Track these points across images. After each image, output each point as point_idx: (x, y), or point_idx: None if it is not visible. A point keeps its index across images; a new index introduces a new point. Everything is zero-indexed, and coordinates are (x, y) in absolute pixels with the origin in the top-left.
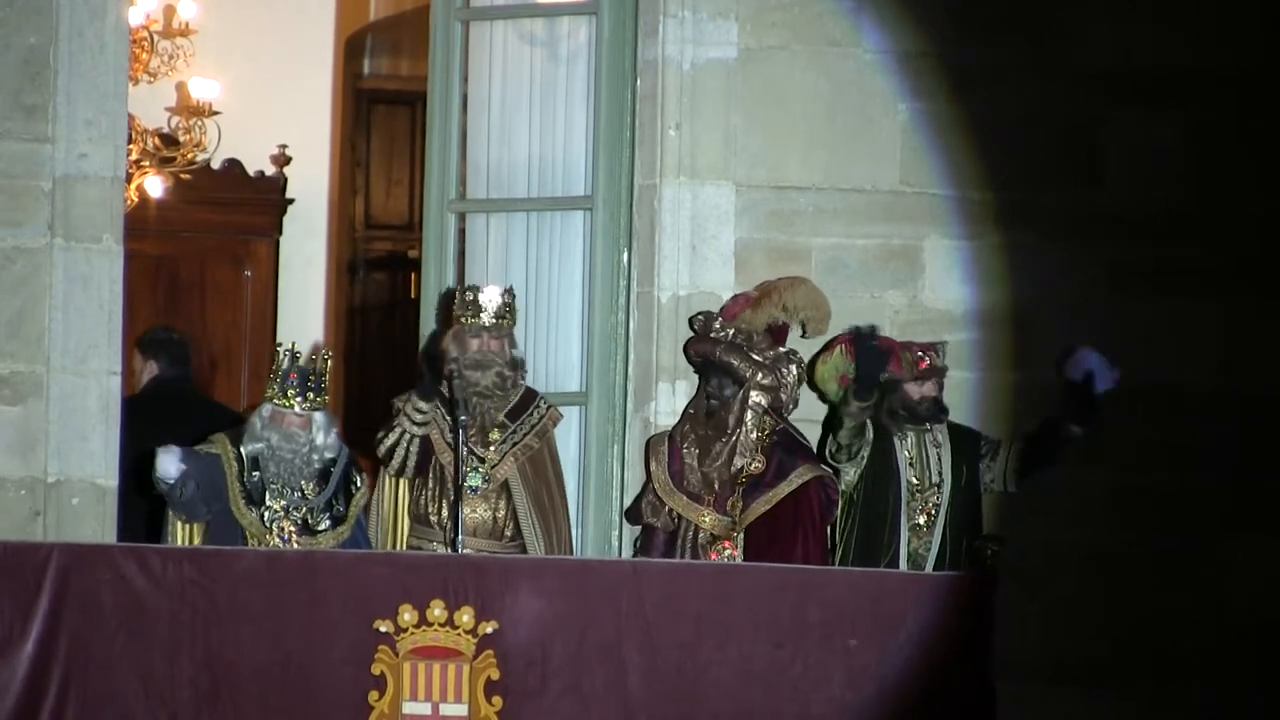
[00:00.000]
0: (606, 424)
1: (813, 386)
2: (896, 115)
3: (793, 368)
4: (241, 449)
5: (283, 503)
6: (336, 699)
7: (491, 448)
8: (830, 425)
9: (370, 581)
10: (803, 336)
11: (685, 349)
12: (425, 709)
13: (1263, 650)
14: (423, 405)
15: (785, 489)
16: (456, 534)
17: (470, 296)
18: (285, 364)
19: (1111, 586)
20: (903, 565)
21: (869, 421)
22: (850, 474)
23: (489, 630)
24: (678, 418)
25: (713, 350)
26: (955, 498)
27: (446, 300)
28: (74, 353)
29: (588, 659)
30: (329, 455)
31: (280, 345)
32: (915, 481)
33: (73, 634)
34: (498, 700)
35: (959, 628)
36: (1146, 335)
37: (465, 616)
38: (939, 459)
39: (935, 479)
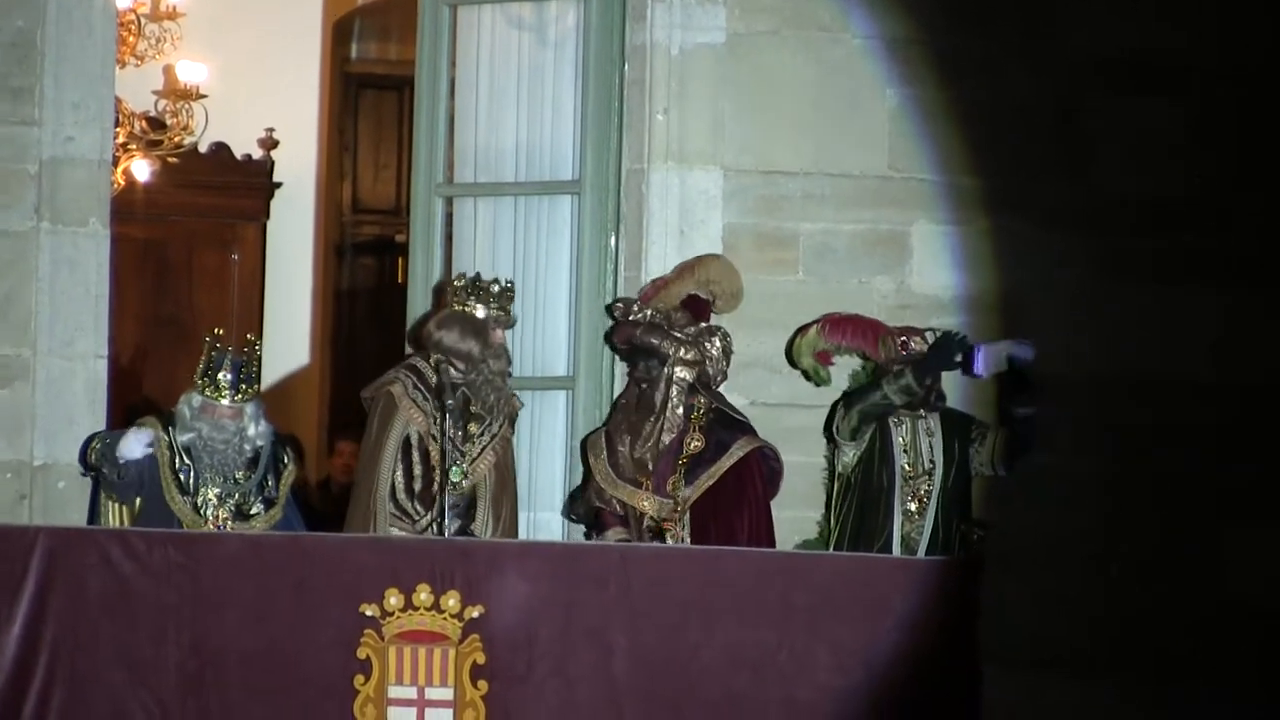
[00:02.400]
0: (594, 408)
1: (792, 365)
2: (885, 101)
3: (716, 340)
4: (173, 437)
5: (216, 491)
6: (322, 683)
7: (471, 440)
8: (848, 398)
9: (356, 566)
10: (714, 310)
11: (607, 338)
12: (411, 693)
13: (1251, 639)
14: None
15: (727, 462)
16: (442, 518)
17: (495, 288)
18: (213, 355)
19: (1098, 574)
20: (896, 550)
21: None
22: (849, 455)
23: (475, 614)
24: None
25: (634, 333)
26: (947, 483)
27: (439, 290)
28: (61, 336)
29: (574, 643)
30: (260, 443)
31: (207, 337)
32: (908, 468)
33: (59, 618)
34: (483, 684)
35: (946, 613)
36: (1134, 323)
37: (451, 601)
38: (931, 446)
39: (927, 465)
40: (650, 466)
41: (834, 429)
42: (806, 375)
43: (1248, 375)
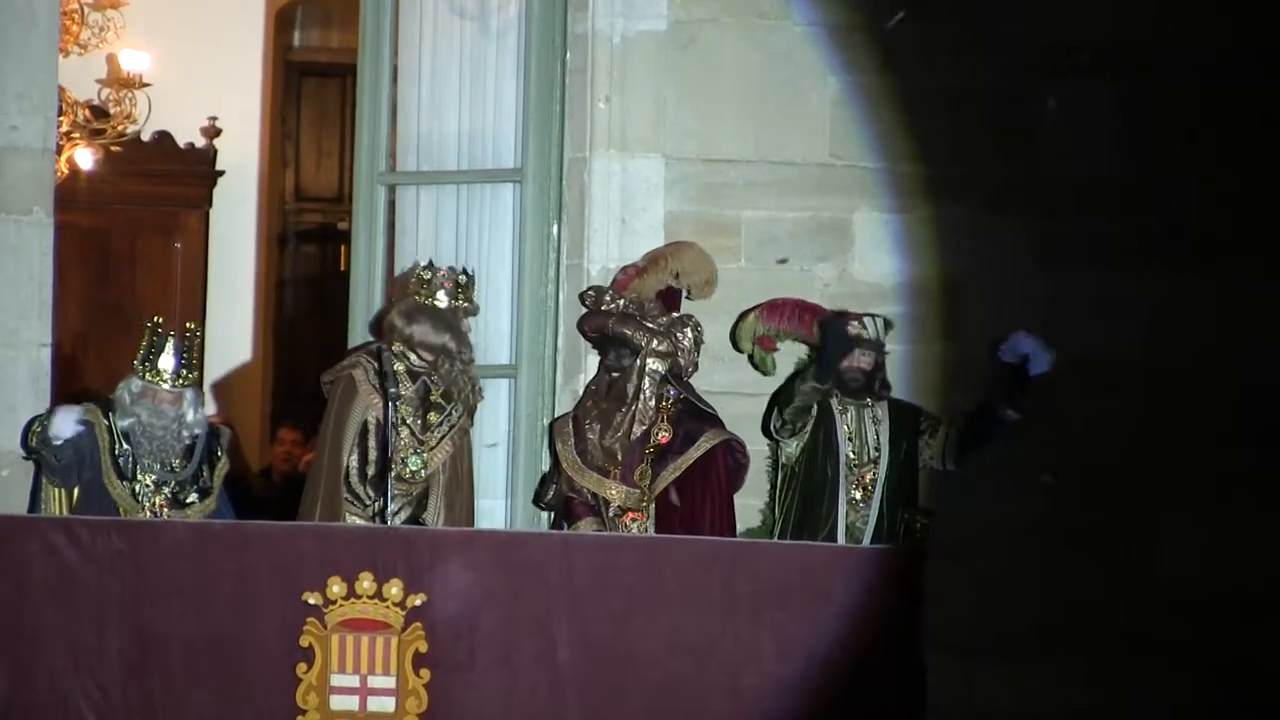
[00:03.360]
0: (536, 396)
1: (737, 350)
2: (826, 88)
3: (688, 331)
4: (113, 422)
5: (153, 478)
6: (265, 671)
7: (430, 430)
8: (776, 399)
9: (299, 554)
10: (687, 298)
11: (579, 325)
12: (353, 681)
13: (1193, 624)
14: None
15: (695, 454)
16: (385, 506)
17: (464, 280)
18: (154, 340)
19: (1041, 560)
20: (840, 538)
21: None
22: (792, 447)
23: (418, 603)
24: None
25: (606, 323)
26: (893, 473)
27: (400, 279)
28: (4, 325)
29: (517, 632)
30: (197, 431)
31: (149, 322)
32: (853, 456)
33: (1, 605)
34: (426, 672)
35: (889, 601)
36: (1075, 308)
37: (394, 589)
38: (877, 434)
39: (872, 454)
40: (620, 456)
41: (772, 427)
42: (752, 361)
43: (1193, 360)
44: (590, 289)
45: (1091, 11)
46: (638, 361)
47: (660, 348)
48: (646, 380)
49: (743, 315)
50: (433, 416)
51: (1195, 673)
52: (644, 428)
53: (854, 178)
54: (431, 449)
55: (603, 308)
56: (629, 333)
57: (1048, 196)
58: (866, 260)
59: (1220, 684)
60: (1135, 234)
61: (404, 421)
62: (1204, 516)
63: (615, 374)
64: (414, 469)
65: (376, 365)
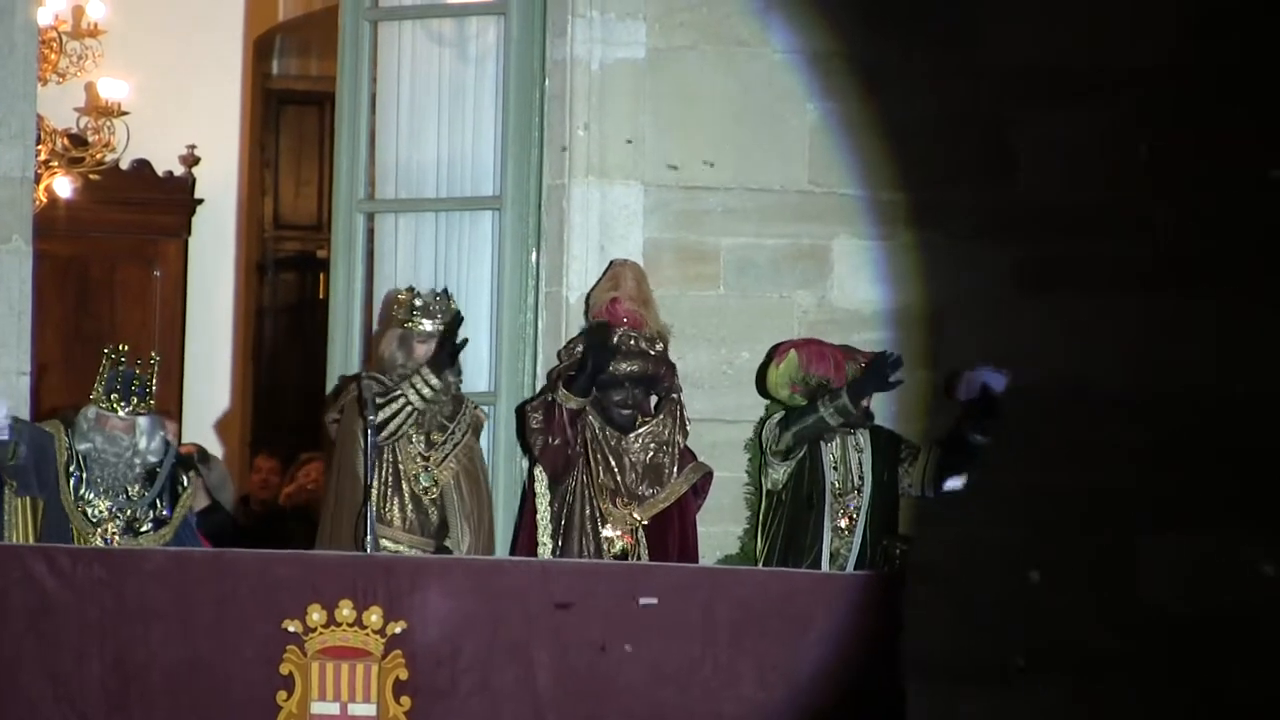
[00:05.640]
0: (515, 423)
1: (762, 393)
2: (805, 115)
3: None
4: (73, 441)
5: (108, 503)
6: (245, 699)
7: (435, 449)
8: (784, 421)
9: (278, 581)
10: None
11: (612, 365)
12: (334, 709)
13: (1174, 647)
14: (434, 383)
15: (684, 485)
16: (367, 533)
17: (419, 301)
18: (109, 367)
19: (1020, 585)
20: (825, 566)
21: None
22: (779, 473)
23: (398, 630)
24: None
25: (655, 369)
26: (875, 500)
27: (386, 303)
28: None
29: (497, 658)
30: (152, 459)
31: (107, 349)
32: (838, 484)
33: None
34: (406, 700)
35: (869, 627)
36: (1057, 333)
37: (374, 616)
38: (860, 462)
39: (856, 482)
40: (636, 482)
41: (766, 448)
42: (767, 393)
43: (1172, 384)
44: (629, 334)
45: (1071, 36)
46: (667, 401)
47: (678, 382)
48: (667, 408)
49: (774, 359)
50: (436, 435)
51: (1174, 697)
52: (650, 456)
53: (833, 204)
54: (438, 466)
55: (651, 351)
56: (674, 378)
57: (1028, 221)
58: (845, 287)
59: (1200, 708)
60: (1115, 258)
61: (410, 440)
62: (1185, 539)
63: (626, 411)
64: (425, 485)
65: (357, 393)
